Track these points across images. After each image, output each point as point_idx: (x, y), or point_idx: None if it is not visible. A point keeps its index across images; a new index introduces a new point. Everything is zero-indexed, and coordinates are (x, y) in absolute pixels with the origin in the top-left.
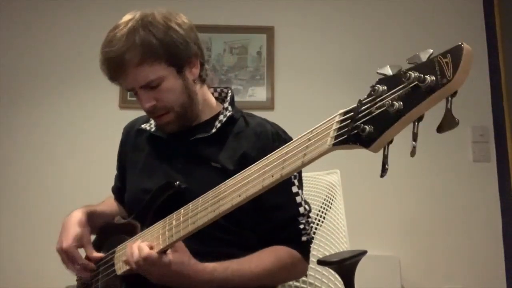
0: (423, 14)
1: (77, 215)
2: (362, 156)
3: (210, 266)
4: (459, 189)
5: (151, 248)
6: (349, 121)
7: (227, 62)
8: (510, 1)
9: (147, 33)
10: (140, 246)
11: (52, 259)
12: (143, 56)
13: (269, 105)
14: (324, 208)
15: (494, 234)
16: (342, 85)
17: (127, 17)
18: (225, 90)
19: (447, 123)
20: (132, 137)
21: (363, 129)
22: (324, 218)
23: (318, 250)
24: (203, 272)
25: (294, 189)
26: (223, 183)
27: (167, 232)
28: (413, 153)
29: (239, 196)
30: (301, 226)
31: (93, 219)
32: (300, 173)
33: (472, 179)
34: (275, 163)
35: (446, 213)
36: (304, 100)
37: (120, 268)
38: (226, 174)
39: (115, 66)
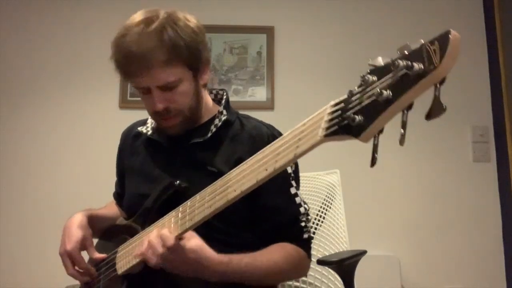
0: (423, 14)
1: (78, 218)
2: (362, 156)
3: (226, 257)
4: (459, 189)
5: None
6: (340, 111)
7: (227, 62)
8: (510, 1)
9: (176, 33)
10: (163, 234)
11: (52, 259)
12: (170, 56)
13: (269, 105)
14: (324, 208)
15: (494, 234)
16: (342, 85)
17: (145, 14)
18: (221, 92)
19: (435, 110)
20: (129, 142)
21: (353, 119)
22: (324, 218)
23: (318, 250)
24: (220, 262)
25: (293, 190)
26: (219, 179)
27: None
28: (401, 142)
29: (235, 191)
30: (302, 224)
31: (94, 222)
32: (297, 173)
33: (472, 179)
34: (269, 157)
35: (446, 213)
36: (304, 100)
37: (121, 268)
38: None
39: (139, 62)
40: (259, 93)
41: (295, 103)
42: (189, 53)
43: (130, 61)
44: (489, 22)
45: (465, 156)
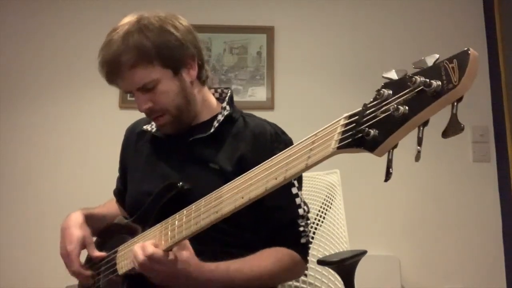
0: (423, 14)
1: (76, 218)
2: (362, 156)
3: (212, 265)
4: (459, 189)
5: (156, 246)
6: (354, 124)
7: (227, 62)
8: (510, 1)
9: (141, 36)
10: (144, 245)
11: (52, 259)
12: (137, 58)
13: (269, 105)
14: (324, 208)
15: (494, 234)
16: (342, 85)
17: (125, 20)
18: (225, 91)
19: (453, 128)
20: (133, 139)
21: (368, 133)
22: (324, 218)
23: (318, 250)
24: (206, 270)
25: (294, 190)
26: (226, 184)
27: (169, 233)
28: (417, 158)
29: (242, 198)
30: (301, 229)
31: (91, 221)
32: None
33: (472, 179)
34: (279, 165)
35: (446, 213)
36: (304, 100)
37: (122, 267)
38: (224, 175)
39: (111, 68)
40: (259, 93)
41: (295, 103)
42: (158, 52)
43: (104, 68)
44: (489, 22)
45: (465, 156)
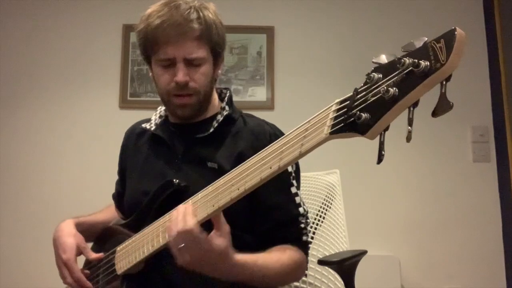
0: (423, 14)
1: (66, 226)
2: (362, 156)
3: (243, 259)
4: (459, 189)
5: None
6: (345, 109)
7: (227, 62)
8: (510, 1)
9: (215, 17)
10: (186, 214)
11: (52, 259)
12: (204, 33)
13: (269, 105)
14: (324, 208)
15: (494, 234)
16: (342, 85)
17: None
18: (225, 91)
19: (442, 107)
20: (132, 140)
21: (359, 117)
22: (324, 218)
23: (318, 250)
24: (238, 264)
25: (293, 189)
26: (222, 177)
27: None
28: (408, 138)
29: (238, 189)
30: (302, 226)
31: (81, 228)
32: (297, 172)
33: (472, 179)
34: (273, 154)
35: (446, 213)
36: (304, 100)
37: (121, 267)
38: (223, 174)
39: (176, 29)
40: (259, 93)
41: (295, 103)
42: (217, 39)
43: (167, 28)
44: (489, 22)
45: (465, 156)
